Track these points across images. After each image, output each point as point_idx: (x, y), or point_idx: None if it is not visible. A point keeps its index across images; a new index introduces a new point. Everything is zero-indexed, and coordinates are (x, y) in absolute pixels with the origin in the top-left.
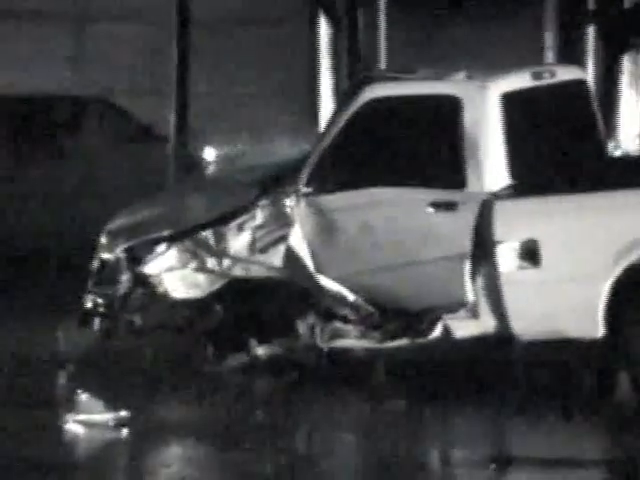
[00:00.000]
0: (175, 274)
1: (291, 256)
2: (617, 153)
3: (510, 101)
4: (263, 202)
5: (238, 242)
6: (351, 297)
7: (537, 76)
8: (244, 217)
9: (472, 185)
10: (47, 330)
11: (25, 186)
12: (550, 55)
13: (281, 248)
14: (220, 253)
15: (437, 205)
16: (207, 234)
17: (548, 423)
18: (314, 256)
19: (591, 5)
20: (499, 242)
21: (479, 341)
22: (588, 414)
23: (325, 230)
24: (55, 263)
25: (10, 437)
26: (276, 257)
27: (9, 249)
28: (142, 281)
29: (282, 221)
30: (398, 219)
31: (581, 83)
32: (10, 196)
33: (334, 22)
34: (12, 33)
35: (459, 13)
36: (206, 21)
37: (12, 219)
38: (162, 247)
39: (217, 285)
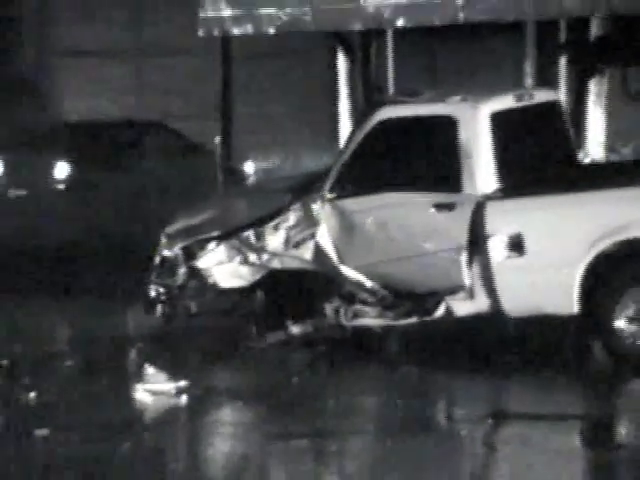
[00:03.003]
0: (223, 267)
1: (319, 250)
2: (586, 160)
3: (498, 119)
4: (295, 206)
5: (275, 239)
6: (369, 283)
7: (519, 98)
8: (279, 219)
9: (467, 189)
10: (119, 315)
11: (97, 196)
12: (529, 80)
13: (310, 244)
14: (260, 249)
15: (439, 206)
16: (249, 233)
17: (534, 385)
18: (337, 250)
19: (563, 37)
20: (490, 236)
21: (476, 318)
22: (568, 377)
23: (346, 228)
24: (121, 258)
25: (90, 404)
26: (306, 251)
27: (88, 249)
28: (196, 273)
29: (311, 221)
30: (406, 218)
31: (555, 103)
32: (88, 203)
33: (350, 55)
34: (85, 70)
35: (454, 47)
36: (244, 55)
37: (85, 225)
38: (212, 245)
39: (258, 276)
